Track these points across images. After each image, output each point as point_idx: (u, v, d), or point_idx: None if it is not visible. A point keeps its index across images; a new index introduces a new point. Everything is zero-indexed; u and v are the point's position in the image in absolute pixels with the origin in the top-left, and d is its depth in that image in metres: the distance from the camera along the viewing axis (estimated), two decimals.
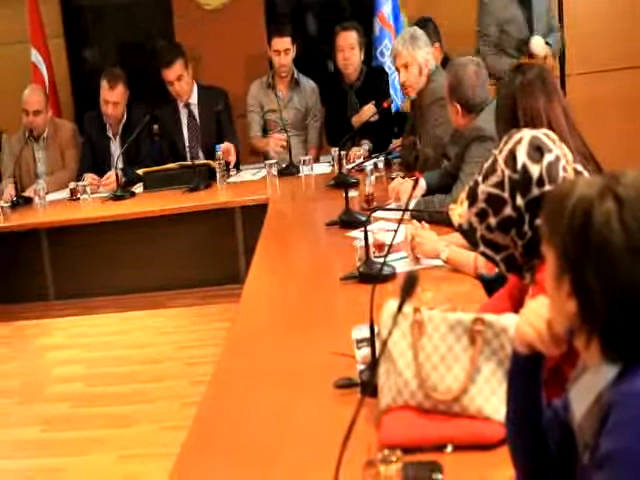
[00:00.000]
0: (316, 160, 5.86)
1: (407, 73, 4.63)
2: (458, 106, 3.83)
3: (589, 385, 1.42)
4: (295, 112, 6.06)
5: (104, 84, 5.85)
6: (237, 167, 5.94)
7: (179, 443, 2.15)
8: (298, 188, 5.23)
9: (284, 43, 5.90)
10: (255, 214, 4.82)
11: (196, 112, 6.00)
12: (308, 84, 6.12)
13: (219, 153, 5.58)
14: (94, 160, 6.01)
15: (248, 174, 5.76)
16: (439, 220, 3.47)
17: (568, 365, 1.71)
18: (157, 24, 7.26)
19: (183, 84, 5.89)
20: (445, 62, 5.05)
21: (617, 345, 1.35)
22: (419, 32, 4.69)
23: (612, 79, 4.27)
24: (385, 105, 5.19)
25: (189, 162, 5.61)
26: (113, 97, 5.85)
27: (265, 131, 6.09)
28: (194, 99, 6.00)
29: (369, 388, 2.03)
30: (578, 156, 2.39)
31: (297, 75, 6.09)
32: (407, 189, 3.79)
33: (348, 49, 5.76)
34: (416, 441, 1.90)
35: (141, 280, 5.34)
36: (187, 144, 5.97)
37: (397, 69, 4.77)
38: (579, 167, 2.04)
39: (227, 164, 5.71)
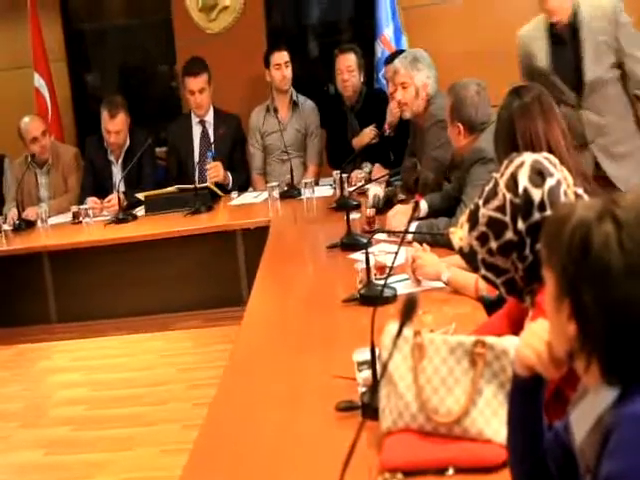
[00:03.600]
0: (317, 179, 5.89)
1: (404, 92, 4.62)
2: (460, 126, 3.82)
3: (589, 408, 1.42)
4: (295, 133, 6.08)
5: (105, 114, 5.89)
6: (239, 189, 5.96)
7: (181, 466, 2.15)
8: (300, 211, 5.23)
9: (283, 56, 5.97)
10: (257, 237, 4.82)
11: (210, 131, 6.06)
12: (306, 103, 6.16)
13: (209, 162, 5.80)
14: (96, 183, 6.04)
15: (249, 197, 5.78)
16: (441, 242, 3.45)
17: (569, 388, 1.71)
18: (159, 48, 7.30)
19: (204, 97, 6.00)
20: None
21: (616, 368, 1.35)
22: (422, 54, 4.67)
23: None
24: (386, 127, 5.19)
25: (190, 185, 5.63)
26: (115, 127, 5.89)
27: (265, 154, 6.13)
28: (210, 117, 6.07)
29: (370, 411, 2.03)
30: (578, 178, 2.39)
31: (295, 96, 6.12)
32: (406, 214, 3.77)
33: (347, 72, 5.78)
34: (417, 464, 1.89)
35: (143, 303, 5.34)
36: (197, 160, 6.01)
37: (394, 86, 4.75)
38: (580, 191, 2.04)
39: (224, 187, 5.79)
